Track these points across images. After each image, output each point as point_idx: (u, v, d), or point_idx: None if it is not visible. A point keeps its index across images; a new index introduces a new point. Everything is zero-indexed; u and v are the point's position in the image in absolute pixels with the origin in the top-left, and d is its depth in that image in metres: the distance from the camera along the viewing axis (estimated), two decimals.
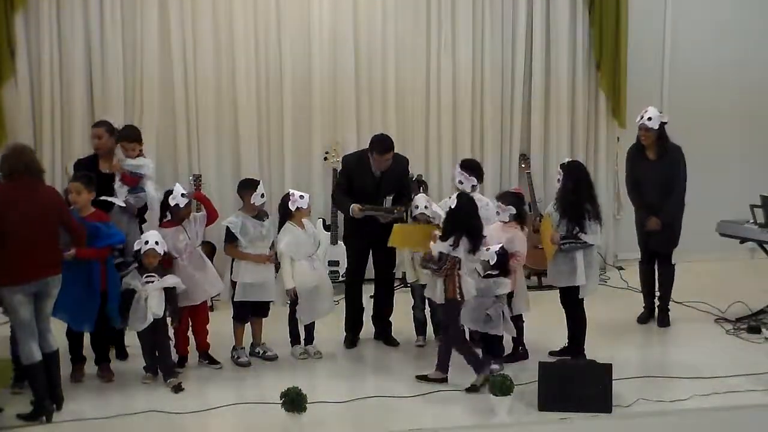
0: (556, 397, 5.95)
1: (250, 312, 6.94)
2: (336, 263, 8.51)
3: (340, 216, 7.83)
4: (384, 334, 7.39)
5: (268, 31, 8.83)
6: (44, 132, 8.51)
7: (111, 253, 6.40)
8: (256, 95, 8.87)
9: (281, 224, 6.94)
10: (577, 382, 5.96)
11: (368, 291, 7.46)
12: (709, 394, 6.19)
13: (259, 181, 6.99)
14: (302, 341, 7.10)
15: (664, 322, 7.76)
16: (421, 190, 8.01)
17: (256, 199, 6.81)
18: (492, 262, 6.47)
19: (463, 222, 6.39)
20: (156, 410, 6.03)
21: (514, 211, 6.73)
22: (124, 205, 6.78)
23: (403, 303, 7.43)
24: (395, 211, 7.07)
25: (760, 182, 8.66)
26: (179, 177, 8.34)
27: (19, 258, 5.68)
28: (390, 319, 7.40)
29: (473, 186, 6.99)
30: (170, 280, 6.46)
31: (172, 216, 6.76)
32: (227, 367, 6.86)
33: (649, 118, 7.48)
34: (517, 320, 6.81)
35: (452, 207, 6.42)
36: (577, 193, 6.69)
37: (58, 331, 6.19)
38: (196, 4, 8.66)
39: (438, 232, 6.44)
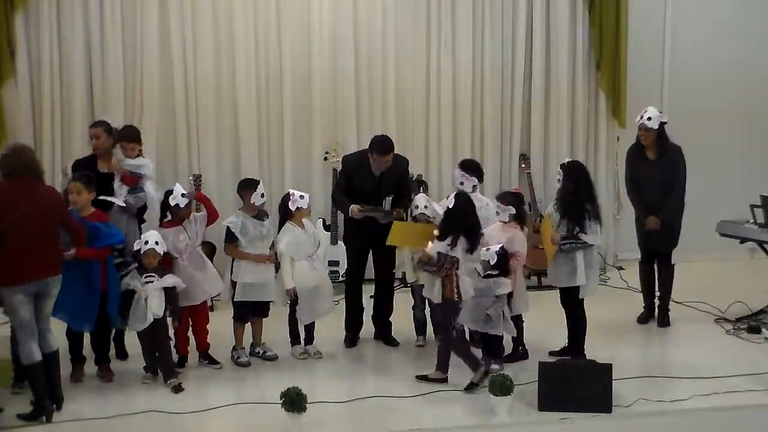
0: (556, 397, 5.95)
1: (250, 312, 6.94)
2: (336, 263, 8.51)
3: (340, 216, 7.84)
4: (384, 334, 7.39)
5: (268, 31, 8.83)
6: (44, 132, 8.51)
7: (111, 253, 6.41)
8: (256, 95, 8.87)
9: (281, 224, 6.94)
10: (577, 382, 5.96)
11: (368, 291, 7.47)
12: (709, 394, 6.19)
13: (259, 181, 6.99)
14: (302, 341, 7.10)
15: (664, 322, 7.76)
16: (421, 190, 8.02)
17: (256, 199, 6.81)
18: (492, 262, 6.47)
19: (461, 222, 6.39)
20: (156, 410, 6.03)
21: (513, 211, 6.72)
22: (124, 204, 6.78)
23: (403, 303, 7.43)
24: (394, 213, 7.07)
25: (760, 182, 8.66)
26: (179, 177, 8.34)
27: (19, 258, 5.68)
28: (390, 319, 7.40)
29: (474, 186, 7.00)
30: (170, 280, 6.47)
31: (172, 216, 6.76)
32: (227, 367, 6.86)
33: (649, 118, 7.48)
34: (517, 320, 6.81)
35: (449, 207, 6.42)
36: (578, 194, 6.69)
37: (58, 331, 6.19)
38: (196, 4, 8.67)
39: (437, 232, 6.45)
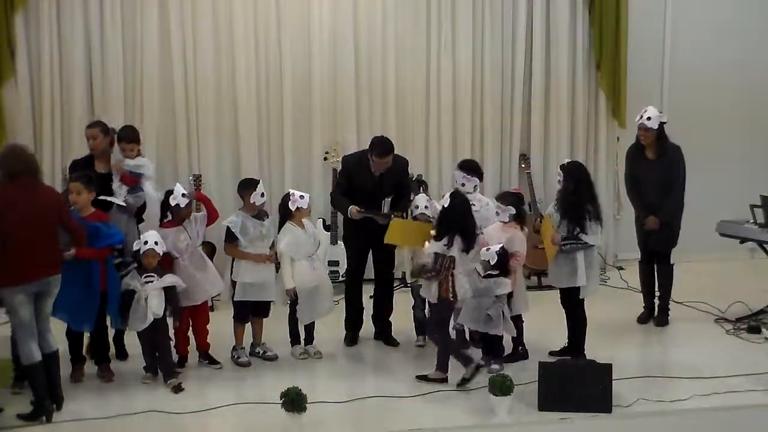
0: (556, 397, 5.95)
1: (250, 312, 6.94)
2: (336, 263, 8.51)
3: (340, 216, 7.84)
4: (384, 334, 7.39)
5: (268, 31, 8.83)
6: (44, 132, 8.51)
7: (111, 253, 6.40)
8: (256, 95, 8.87)
9: (281, 224, 6.94)
10: (577, 382, 5.96)
11: (368, 291, 7.47)
12: (709, 394, 6.19)
13: (259, 181, 6.99)
14: (302, 341, 7.10)
15: (661, 321, 7.76)
16: (421, 190, 8.03)
17: (256, 199, 6.81)
18: (492, 262, 6.47)
19: (457, 221, 6.39)
20: (156, 410, 6.02)
21: (513, 211, 6.73)
22: (124, 204, 6.79)
23: (403, 303, 7.43)
24: (393, 215, 7.06)
25: (760, 182, 8.66)
26: (179, 177, 8.35)
27: (20, 258, 5.68)
28: (390, 319, 7.40)
29: (475, 186, 7.00)
30: (169, 279, 6.46)
31: (173, 216, 6.76)
32: (227, 367, 6.86)
33: (648, 118, 7.48)
34: (517, 320, 6.81)
35: (445, 206, 6.42)
36: (578, 194, 6.69)
37: (58, 331, 6.19)
38: (196, 4, 8.67)
39: (434, 232, 6.44)
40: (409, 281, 7.22)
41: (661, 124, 7.52)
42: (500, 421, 5.86)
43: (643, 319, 7.84)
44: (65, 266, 5.96)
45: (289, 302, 6.93)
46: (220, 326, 7.03)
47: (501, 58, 9.33)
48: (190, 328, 6.84)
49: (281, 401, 5.67)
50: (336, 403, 6.10)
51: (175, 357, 6.72)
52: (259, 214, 6.90)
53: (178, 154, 8.77)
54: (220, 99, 8.81)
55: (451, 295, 6.36)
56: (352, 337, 7.34)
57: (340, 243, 8.00)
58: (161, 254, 6.46)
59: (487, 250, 6.49)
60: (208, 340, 6.90)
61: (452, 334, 6.65)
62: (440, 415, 5.98)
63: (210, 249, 7.75)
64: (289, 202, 6.85)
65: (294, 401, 5.63)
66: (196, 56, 8.70)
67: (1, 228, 5.64)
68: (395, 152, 7.18)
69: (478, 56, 9.27)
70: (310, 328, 7.08)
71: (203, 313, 6.87)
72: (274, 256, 6.87)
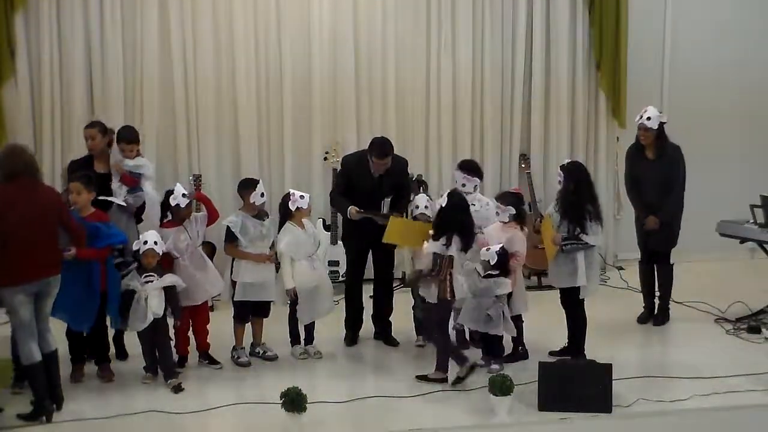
0: (556, 397, 5.95)
1: (250, 312, 6.94)
2: (336, 263, 8.51)
3: (340, 216, 7.83)
4: (384, 334, 7.39)
5: (268, 31, 8.83)
6: (44, 132, 8.51)
7: (111, 253, 6.40)
8: (256, 95, 8.87)
9: (281, 224, 6.94)
10: (577, 382, 5.96)
11: (368, 291, 7.47)
12: (709, 394, 6.19)
13: (258, 181, 6.99)
14: (302, 341, 7.10)
15: (661, 320, 7.76)
16: (421, 190, 8.03)
17: (256, 199, 6.81)
18: (492, 262, 6.47)
19: (455, 221, 6.39)
20: (156, 410, 6.02)
21: (513, 211, 6.73)
22: (124, 204, 6.79)
23: (403, 303, 7.43)
24: (392, 215, 7.05)
25: (760, 182, 8.66)
26: (179, 177, 8.35)
27: (19, 258, 5.68)
28: (390, 319, 7.40)
29: (476, 186, 7.00)
30: (169, 279, 6.46)
31: (173, 216, 6.76)
32: (227, 367, 6.86)
33: (648, 118, 7.48)
34: (517, 320, 6.81)
35: (443, 206, 6.42)
36: (578, 194, 6.69)
37: (58, 331, 6.19)
38: (196, 4, 8.67)
39: (432, 231, 6.44)
40: (407, 287, 7.21)
41: (661, 124, 7.52)
42: (500, 421, 5.86)
43: (643, 319, 7.84)
44: (65, 266, 5.97)
45: (289, 302, 6.93)
46: (220, 326, 7.03)
47: (501, 58, 9.33)
48: (190, 328, 6.84)
49: (281, 401, 5.67)
50: (336, 403, 6.10)
51: (175, 357, 6.72)
52: (259, 214, 6.90)
53: (178, 154, 8.77)
54: (220, 99, 8.81)
55: (449, 295, 6.36)
56: (352, 337, 7.35)
57: (340, 243, 7.99)
58: (161, 254, 6.46)
59: (487, 250, 6.50)
60: (208, 340, 6.90)
61: (452, 334, 6.65)
62: (440, 415, 5.98)
63: (210, 249, 7.75)
64: (289, 202, 6.85)
65: (294, 401, 5.64)
66: (196, 56, 8.70)
67: (1, 228, 5.64)
68: (395, 152, 7.18)
69: (478, 56, 9.27)
70: (310, 328, 7.08)
71: (203, 313, 6.87)
72: (274, 256, 6.86)
